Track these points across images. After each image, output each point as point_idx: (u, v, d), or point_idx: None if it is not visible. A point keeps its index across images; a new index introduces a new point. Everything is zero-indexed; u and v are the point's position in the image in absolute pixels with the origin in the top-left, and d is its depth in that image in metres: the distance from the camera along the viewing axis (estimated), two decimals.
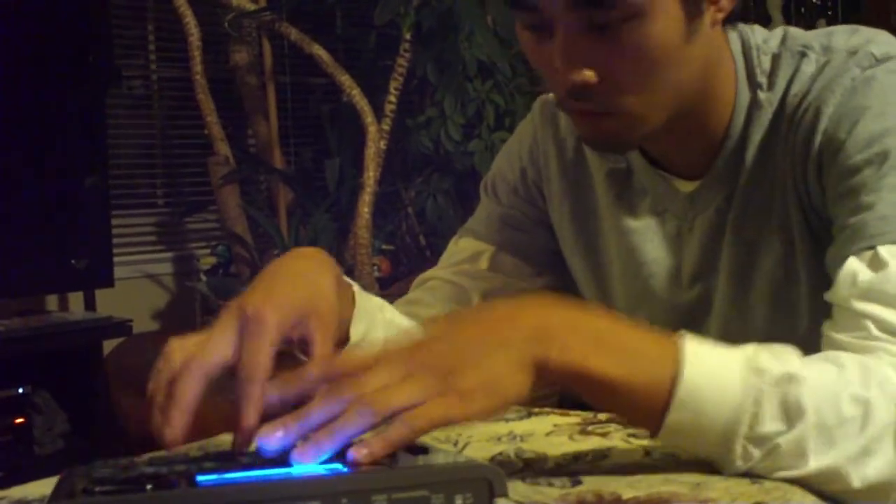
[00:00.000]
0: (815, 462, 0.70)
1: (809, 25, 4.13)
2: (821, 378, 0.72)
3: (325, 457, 0.63)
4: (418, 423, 0.65)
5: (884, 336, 0.77)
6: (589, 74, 0.84)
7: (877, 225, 0.81)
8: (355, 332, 0.93)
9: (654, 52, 0.84)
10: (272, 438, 0.64)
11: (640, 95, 0.86)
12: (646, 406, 0.70)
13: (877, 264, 0.80)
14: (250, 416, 0.69)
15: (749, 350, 0.72)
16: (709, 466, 0.72)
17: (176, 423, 0.69)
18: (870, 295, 0.79)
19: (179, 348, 0.74)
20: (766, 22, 4.17)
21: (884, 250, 0.80)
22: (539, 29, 0.86)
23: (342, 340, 0.92)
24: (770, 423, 0.69)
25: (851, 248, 0.82)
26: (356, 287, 0.96)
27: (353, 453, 0.63)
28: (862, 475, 0.70)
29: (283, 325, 0.76)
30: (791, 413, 0.69)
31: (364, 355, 0.69)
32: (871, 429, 0.70)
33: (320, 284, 0.82)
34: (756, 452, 0.70)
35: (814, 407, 0.70)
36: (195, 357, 0.72)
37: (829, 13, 4.23)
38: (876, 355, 0.75)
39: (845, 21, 4.10)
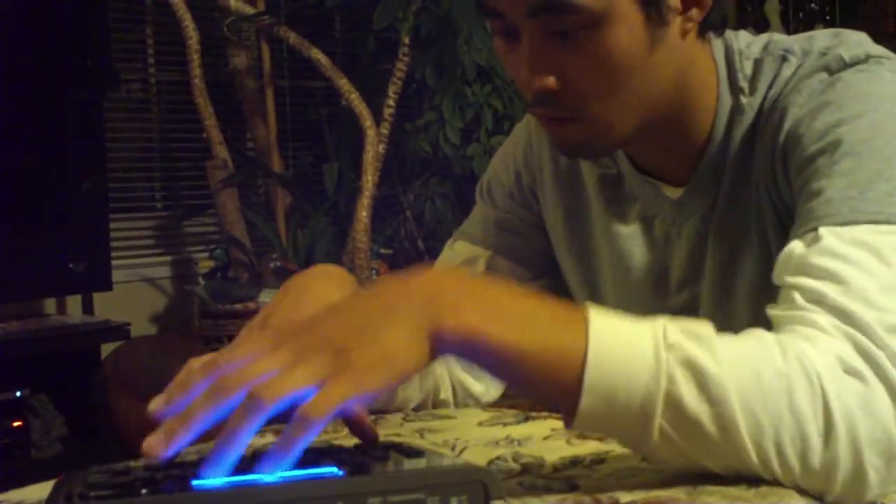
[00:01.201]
0: (752, 448, 0.67)
1: (808, 30, 4.13)
2: (738, 353, 0.69)
3: (229, 465, 0.61)
4: (316, 414, 0.60)
5: (808, 305, 0.74)
6: (551, 81, 0.85)
7: (821, 208, 0.80)
8: None
9: (614, 58, 0.84)
10: (158, 448, 0.61)
11: (603, 102, 0.87)
12: (554, 381, 0.67)
13: (812, 242, 0.78)
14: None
15: (660, 324, 0.69)
16: (706, 471, 0.72)
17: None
18: (800, 268, 0.77)
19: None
20: (765, 27, 4.17)
21: (824, 230, 0.78)
22: (508, 36, 0.87)
23: None
24: (688, 400, 0.66)
25: (796, 233, 0.81)
26: None
27: (262, 467, 0.60)
28: (803, 460, 0.67)
29: None
30: (710, 389, 0.66)
31: (251, 347, 0.64)
32: (800, 408, 0.67)
33: None
34: (675, 434, 0.67)
35: (734, 383, 0.67)
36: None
37: (828, 18, 4.24)
38: (792, 329, 0.73)
39: (844, 26, 4.09)
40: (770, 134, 0.90)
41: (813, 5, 4.27)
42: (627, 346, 0.67)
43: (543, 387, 0.68)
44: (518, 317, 0.67)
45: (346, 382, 0.62)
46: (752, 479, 0.70)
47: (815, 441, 0.67)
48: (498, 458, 0.81)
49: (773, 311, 0.77)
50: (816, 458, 0.68)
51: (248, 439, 0.60)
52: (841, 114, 0.85)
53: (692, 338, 0.68)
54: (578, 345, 0.66)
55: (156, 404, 0.65)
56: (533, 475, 0.76)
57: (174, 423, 0.62)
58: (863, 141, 0.82)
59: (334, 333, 0.64)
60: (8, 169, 2.93)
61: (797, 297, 0.75)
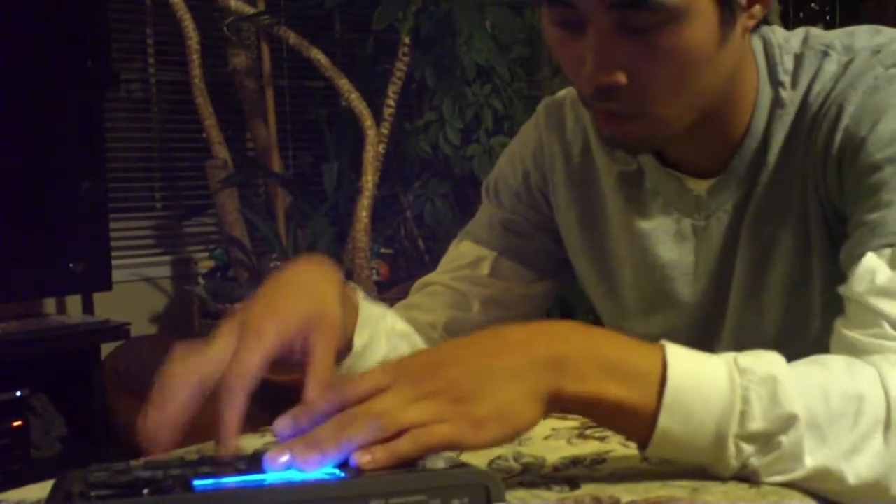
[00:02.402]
0: (811, 462, 0.69)
1: None
2: (807, 376, 0.71)
3: (328, 465, 0.63)
4: (426, 440, 0.65)
5: None
6: (620, 77, 0.84)
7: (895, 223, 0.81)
8: (359, 341, 0.93)
9: (687, 56, 0.83)
10: (278, 463, 0.63)
11: (668, 99, 0.86)
12: (638, 418, 0.70)
13: (894, 262, 0.80)
14: (229, 422, 0.70)
15: (730, 354, 0.72)
16: (706, 471, 0.72)
17: (160, 428, 0.69)
18: (887, 293, 0.78)
19: (180, 359, 0.74)
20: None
21: None
22: (570, 26, 0.85)
23: (345, 349, 0.92)
24: (760, 421, 0.69)
25: (870, 245, 0.81)
26: (360, 295, 0.95)
27: (355, 459, 0.63)
28: (855, 471, 0.70)
29: (282, 334, 0.75)
30: (781, 409, 0.69)
31: (375, 381, 0.68)
32: (861, 425, 0.70)
33: (324, 295, 0.81)
34: (750, 450, 0.69)
35: (803, 404, 0.69)
36: (190, 366, 0.72)
37: (828, 18, 4.24)
38: (884, 356, 0.75)
39: (843, 26, 4.10)
40: (824, 131, 0.89)
41: (813, 5, 4.27)
42: (702, 371, 0.70)
43: (630, 423, 0.71)
44: (625, 373, 0.70)
45: (460, 429, 0.65)
46: (754, 481, 0.70)
47: (875, 452, 0.70)
48: (499, 457, 0.81)
49: (853, 334, 0.79)
50: (870, 473, 0.70)
51: (355, 450, 0.63)
52: None
53: (762, 362, 0.71)
54: (658, 375, 0.69)
55: (281, 425, 0.68)
56: (534, 475, 0.76)
57: (301, 446, 0.64)
58: None
59: (455, 381, 0.67)
60: (8, 169, 2.93)
61: (885, 325, 0.77)
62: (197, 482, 0.61)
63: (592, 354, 0.70)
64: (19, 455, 2.81)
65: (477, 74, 3.46)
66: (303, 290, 0.80)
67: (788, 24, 4.24)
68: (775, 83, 0.93)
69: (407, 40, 3.31)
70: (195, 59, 3.37)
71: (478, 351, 0.70)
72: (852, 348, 0.77)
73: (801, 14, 4.30)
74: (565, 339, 0.71)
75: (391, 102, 3.35)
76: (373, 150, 3.28)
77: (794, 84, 0.92)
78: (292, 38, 3.42)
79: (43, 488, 0.74)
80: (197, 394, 0.72)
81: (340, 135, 3.62)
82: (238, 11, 3.44)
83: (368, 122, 3.28)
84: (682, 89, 0.86)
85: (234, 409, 0.70)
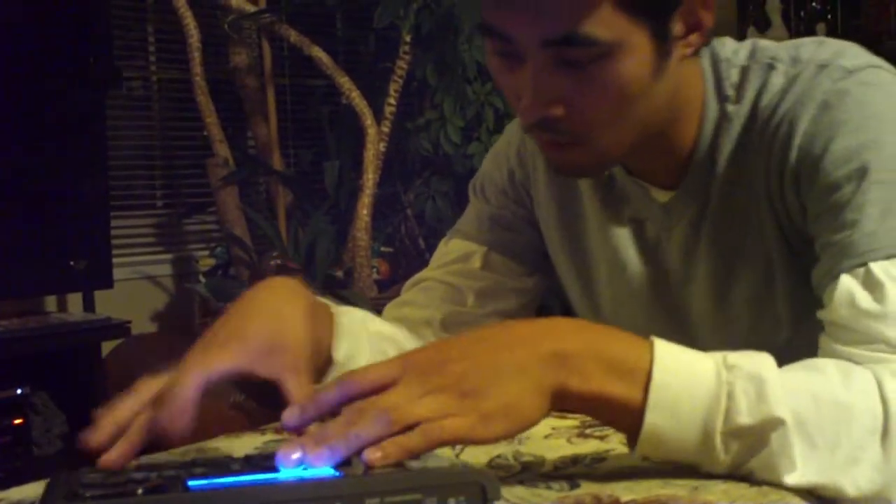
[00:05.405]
0: (803, 467, 0.69)
1: (809, 30, 4.13)
2: (798, 378, 0.72)
3: (336, 461, 0.64)
4: (436, 434, 0.66)
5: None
6: (556, 109, 0.85)
7: (865, 241, 0.80)
8: (339, 352, 0.93)
9: (623, 89, 0.84)
10: (290, 460, 0.64)
11: (605, 128, 0.87)
12: (629, 414, 0.70)
13: (872, 284, 0.79)
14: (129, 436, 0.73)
15: (722, 352, 0.72)
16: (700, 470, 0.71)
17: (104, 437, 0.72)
18: (872, 314, 0.78)
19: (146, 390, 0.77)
20: (766, 26, 4.16)
21: (876, 267, 0.79)
22: (509, 58, 0.86)
23: (324, 363, 0.92)
24: (746, 416, 0.69)
25: (842, 266, 0.81)
26: (334, 307, 0.96)
27: (366, 455, 0.64)
28: (854, 484, 0.70)
29: (240, 358, 0.77)
30: (768, 406, 0.69)
31: (382, 374, 0.69)
32: (855, 434, 0.70)
33: (287, 316, 0.82)
34: (738, 446, 0.69)
35: (791, 403, 0.69)
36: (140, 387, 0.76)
37: (829, 17, 4.23)
38: (884, 365, 0.75)
39: (845, 25, 4.10)
40: (777, 148, 0.89)
41: (814, 4, 4.26)
42: (689, 367, 0.71)
43: (622, 418, 0.72)
44: (619, 368, 0.71)
45: (468, 423, 0.67)
46: (753, 480, 0.70)
47: (873, 463, 0.70)
48: (498, 456, 0.81)
49: (852, 349, 0.78)
50: (869, 485, 0.71)
51: (364, 445, 0.64)
52: (859, 137, 0.84)
53: (751, 360, 0.71)
54: (645, 370, 0.70)
55: (289, 417, 0.69)
56: (533, 473, 0.76)
57: (311, 442, 0.65)
58: (889, 169, 0.83)
59: (462, 376, 0.68)
60: (9, 166, 2.93)
61: (882, 345, 0.77)
62: (192, 482, 0.61)
63: (593, 351, 0.71)
64: (20, 453, 2.82)
65: (478, 72, 3.46)
66: (265, 314, 0.82)
67: (789, 23, 4.24)
68: (722, 97, 0.93)
69: (408, 38, 3.31)
70: (196, 56, 3.37)
71: (484, 346, 0.71)
72: (849, 361, 0.77)
73: (802, 13, 4.29)
74: (568, 335, 0.72)
75: (392, 100, 3.35)
76: (373, 148, 3.28)
77: (740, 98, 0.92)
78: (293, 36, 3.42)
79: (44, 486, 0.74)
80: (137, 407, 0.76)
81: (341, 133, 3.62)
82: (239, 9, 3.44)
83: (369, 120, 3.28)
84: (619, 119, 0.86)
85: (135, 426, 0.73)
